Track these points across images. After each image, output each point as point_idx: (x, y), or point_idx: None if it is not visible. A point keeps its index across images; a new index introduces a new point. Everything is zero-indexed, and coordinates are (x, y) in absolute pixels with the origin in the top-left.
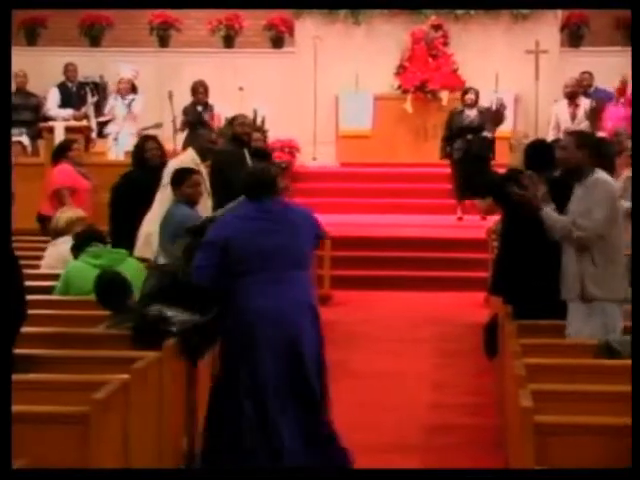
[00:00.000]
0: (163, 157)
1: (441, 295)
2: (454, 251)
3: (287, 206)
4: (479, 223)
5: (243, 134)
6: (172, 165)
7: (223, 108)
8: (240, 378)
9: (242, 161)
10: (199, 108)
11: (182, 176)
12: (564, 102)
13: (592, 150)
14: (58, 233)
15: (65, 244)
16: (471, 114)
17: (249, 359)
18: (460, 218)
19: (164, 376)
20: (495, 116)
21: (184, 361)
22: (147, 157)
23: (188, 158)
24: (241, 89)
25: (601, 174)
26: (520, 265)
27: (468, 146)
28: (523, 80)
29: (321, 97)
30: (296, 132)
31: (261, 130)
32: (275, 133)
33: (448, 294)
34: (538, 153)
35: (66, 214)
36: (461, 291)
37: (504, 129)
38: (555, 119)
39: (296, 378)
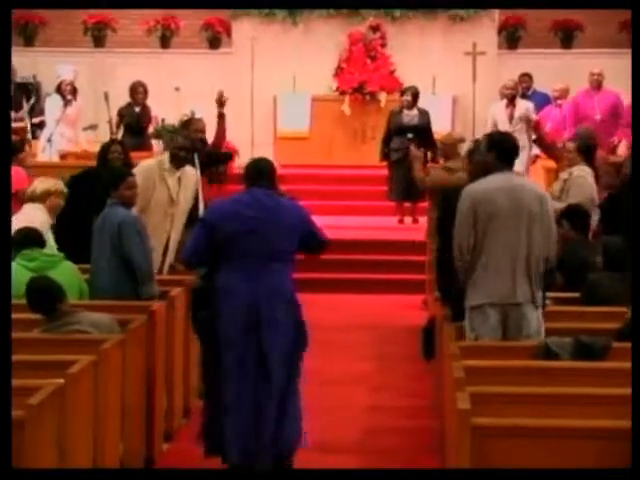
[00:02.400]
0: (126, 161)
1: (379, 298)
2: (392, 253)
3: (279, 200)
4: (419, 225)
5: (197, 140)
6: (138, 169)
7: (159, 109)
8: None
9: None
10: (136, 109)
11: (119, 178)
12: (502, 103)
13: (499, 150)
14: (32, 199)
15: (36, 211)
16: (410, 113)
17: (217, 342)
18: (401, 220)
19: (100, 380)
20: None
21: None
22: (109, 159)
23: (155, 164)
24: (177, 90)
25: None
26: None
27: (407, 146)
28: (461, 81)
29: (259, 98)
30: (233, 133)
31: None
32: (211, 134)
33: (386, 297)
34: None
35: (45, 184)
36: (399, 293)
37: (443, 129)
38: (492, 120)
39: (259, 367)
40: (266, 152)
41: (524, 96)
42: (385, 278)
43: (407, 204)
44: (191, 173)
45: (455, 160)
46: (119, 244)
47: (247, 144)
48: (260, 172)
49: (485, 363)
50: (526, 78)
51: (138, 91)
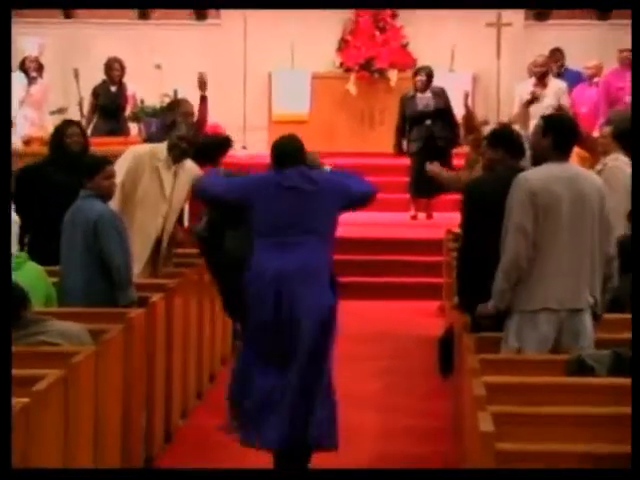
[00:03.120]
0: (85, 146)
1: (388, 304)
2: (403, 253)
3: (312, 175)
4: (435, 222)
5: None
6: (128, 154)
7: (138, 89)
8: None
9: None
10: (112, 89)
11: (97, 166)
12: (530, 82)
13: (557, 135)
14: None
15: None
16: (425, 97)
17: (248, 320)
18: (414, 216)
19: (70, 398)
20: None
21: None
22: (67, 143)
23: (147, 151)
24: (158, 67)
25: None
26: (479, 265)
27: (428, 134)
28: (482, 57)
29: (251, 76)
30: (222, 116)
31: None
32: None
33: (397, 302)
34: (504, 141)
35: None
36: (412, 299)
37: (460, 112)
38: (519, 102)
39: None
40: (259, 137)
41: (558, 75)
42: (395, 281)
43: (423, 199)
44: (191, 169)
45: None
46: (94, 242)
47: (238, 128)
48: (287, 150)
49: (510, 379)
50: (558, 54)
51: (114, 68)
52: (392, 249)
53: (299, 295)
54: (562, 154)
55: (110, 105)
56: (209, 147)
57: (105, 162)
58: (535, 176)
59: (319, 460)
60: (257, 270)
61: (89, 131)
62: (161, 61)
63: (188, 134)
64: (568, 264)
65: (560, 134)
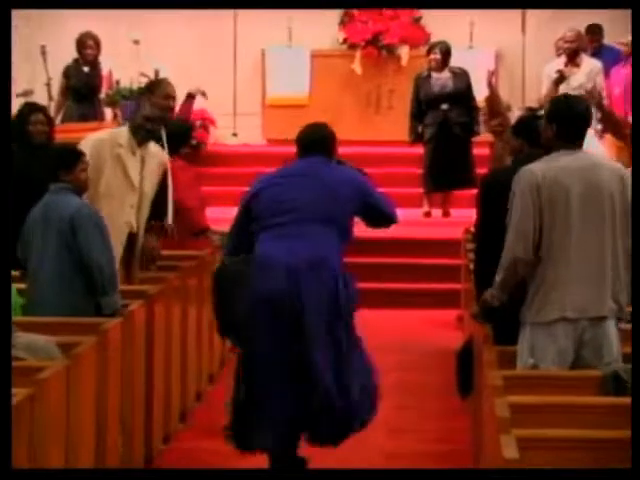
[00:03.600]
0: (50, 135)
1: (401, 313)
2: (418, 256)
3: (337, 169)
4: (452, 219)
5: (167, 109)
6: (86, 143)
7: (114, 68)
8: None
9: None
10: (85, 69)
11: (76, 157)
12: (560, 61)
13: (562, 122)
14: None
15: None
16: (441, 76)
17: (247, 320)
18: (428, 213)
19: (38, 418)
20: None
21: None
22: (30, 132)
23: (106, 137)
24: (136, 43)
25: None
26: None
27: (443, 119)
28: (506, 32)
29: (243, 54)
30: (210, 100)
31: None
32: (181, 101)
33: (410, 311)
34: (525, 129)
35: None
36: (427, 308)
37: (483, 96)
38: (549, 82)
39: (293, 347)
40: (252, 124)
41: (594, 55)
42: (407, 287)
43: (438, 193)
44: (157, 154)
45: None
46: (73, 242)
47: (227, 114)
48: (316, 139)
49: (536, 399)
50: (595, 31)
51: (87, 45)
52: (403, 251)
53: (308, 289)
54: (569, 143)
55: (83, 87)
56: (169, 137)
57: (81, 152)
58: (540, 167)
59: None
60: (263, 262)
61: (59, 117)
62: (139, 36)
63: (153, 113)
64: (585, 266)
65: (564, 121)
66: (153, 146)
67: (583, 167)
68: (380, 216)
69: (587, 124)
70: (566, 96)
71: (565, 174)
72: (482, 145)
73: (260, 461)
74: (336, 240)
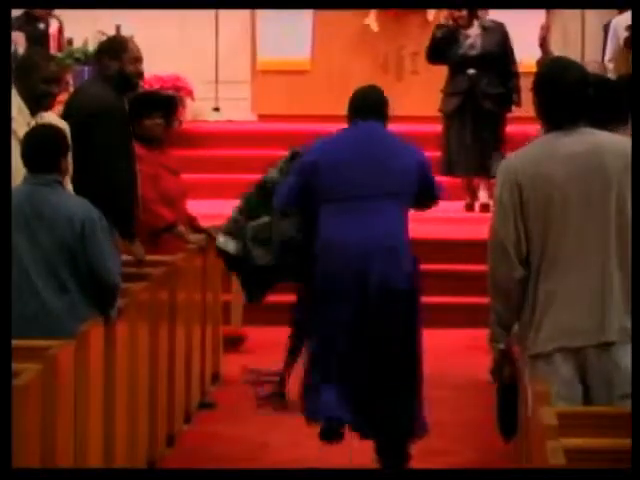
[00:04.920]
0: None
1: (429, 332)
2: (451, 261)
3: (394, 137)
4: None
5: (136, 74)
6: None
7: (68, 24)
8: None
9: (124, 116)
10: (40, 26)
11: (63, 141)
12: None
13: (543, 96)
14: None
15: None
16: (470, 33)
17: (318, 293)
18: (470, 206)
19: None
20: None
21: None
22: None
23: None
24: (103, 34)
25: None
26: None
27: (469, 87)
28: None
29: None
30: (186, 65)
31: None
32: (151, 67)
33: (440, 331)
34: (601, 101)
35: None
36: (461, 327)
37: (532, 58)
38: (616, 40)
39: (359, 320)
40: (239, 94)
41: None
42: (437, 302)
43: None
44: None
45: None
46: (83, 250)
47: (208, 83)
48: (367, 102)
49: (598, 441)
50: None
51: None
52: (435, 255)
53: (383, 275)
54: (555, 121)
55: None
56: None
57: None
58: (520, 159)
59: None
60: (327, 242)
61: None
62: (108, 28)
63: (55, 73)
64: (585, 280)
65: (549, 92)
66: (49, 116)
67: (576, 153)
68: (430, 195)
69: (580, 99)
70: (557, 60)
71: (552, 165)
72: (521, 122)
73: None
74: (403, 216)
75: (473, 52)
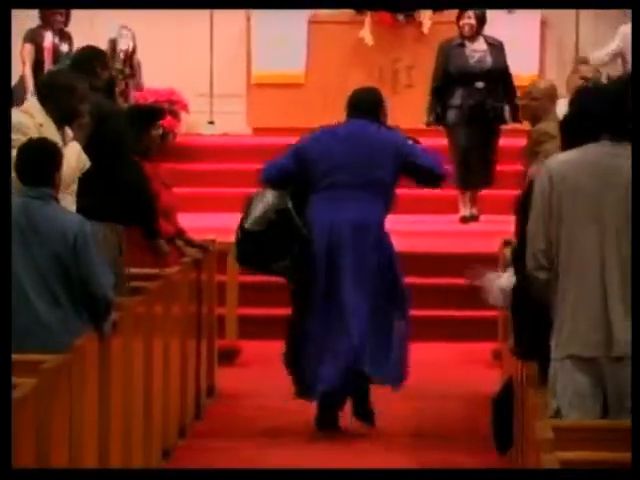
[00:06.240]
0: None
1: (423, 347)
2: (445, 275)
3: (377, 130)
4: (486, 226)
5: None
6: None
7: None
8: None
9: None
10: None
11: (56, 154)
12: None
13: (585, 105)
14: None
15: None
16: (478, 48)
17: (308, 273)
18: (464, 219)
19: None
20: None
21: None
22: None
23: (26, 118)
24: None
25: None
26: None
27: (480, 101)
28: None
29: (223, 19)
30: (181, 78)
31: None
32: (146, 80)
33: (435, 345)
34: (602, 104)
35: None
36: (456, 340)
37: (527, 73)
38: (619, 47)
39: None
40: (234, 108)
41: None
42: (432, 315)
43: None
44: (70, 145)
45: (549, 121)
46: (76, 264)
47: (203, 95)
48: (360, 102)
49: (593, 455)
50: None
51: (55, 10)
52: (429, 269)
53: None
54: (596, 131)
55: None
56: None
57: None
58: (555, 161)
59: None
60: (311, 222)
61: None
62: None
63: (84, 94)
64: (599, 290)
65: (591, 103)
66: (74, 145)
67: (597, 159)
68: (427, 175)
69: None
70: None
71: (576, 170)
72: (517, 135)
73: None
74: (380, 204)
75: (485, 66)
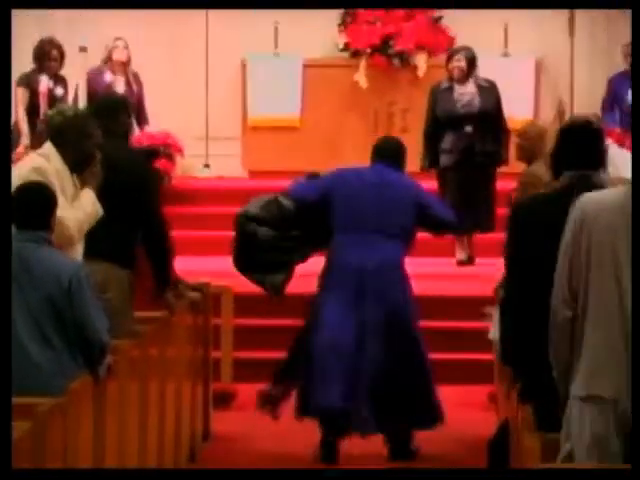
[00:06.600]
0: None
1: None
2: (441, 319)
3: (399, 176)
4: (481, 269)
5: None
6: (28, 173)
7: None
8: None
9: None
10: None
11: (51, 198)
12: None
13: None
14: None
15: None
16: (466, 91)
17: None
18: (462, 262)
19: None
20: None
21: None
22: None
23: (44, 164)
24: (83, 50)
25: None
26: (531, 321)
27: (468, 145)
28: (549, 36)
29: (218, 63)
30: (177, 121)
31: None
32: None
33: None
34: (579, 142)
35: None
36: (451, 383)
37: (521, 115)
38: (612, 94)
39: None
40: (229, 151)
41: None
42: (432, 358)
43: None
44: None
45: (540, 164)
46: (70, 307)
47: (198, 139)
48: (386, 149)
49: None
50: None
51: (50, 56)
52: (425, 311)
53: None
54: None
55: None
56: None
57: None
58: (593, 195)
59: None
60: (338, 263)
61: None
62: (86, 42)
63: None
64: (618, 329)
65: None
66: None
67: (618, 199)
68: (441, 225)
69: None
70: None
71: (616, 208)
72: (508, 177)
73: None
74: (400, 249)
75: (472, 110)
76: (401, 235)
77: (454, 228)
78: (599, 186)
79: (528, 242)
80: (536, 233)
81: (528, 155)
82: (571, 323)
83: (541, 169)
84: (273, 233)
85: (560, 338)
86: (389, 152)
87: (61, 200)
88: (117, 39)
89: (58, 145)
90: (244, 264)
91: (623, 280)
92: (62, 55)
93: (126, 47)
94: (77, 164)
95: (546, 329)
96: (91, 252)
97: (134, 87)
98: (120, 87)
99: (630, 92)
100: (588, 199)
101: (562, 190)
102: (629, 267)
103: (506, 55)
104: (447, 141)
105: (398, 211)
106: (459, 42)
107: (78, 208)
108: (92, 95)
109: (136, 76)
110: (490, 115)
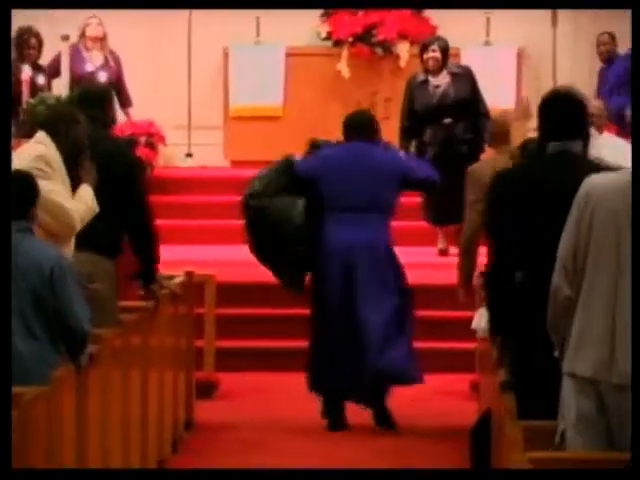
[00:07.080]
0: None
1: None
2: (425, 307)
3: (378, 151)
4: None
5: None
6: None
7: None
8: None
9: None
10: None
11: (32, 188)
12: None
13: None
14: None
15: None
16: (441, 82)
17: (319, 290)
18: (443, 251)
19: None
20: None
21: None
22: None
23: (36, 159)
24: (66, 39)
25: None
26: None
27: (446, 136)
28: (531, 25)
29: (201, 53)
30: (158, 111)
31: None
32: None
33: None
34: (560, 114)
35: None
36: (434, 371)
37: (502, 104)
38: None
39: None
40: (211, 140)
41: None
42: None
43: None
44: (84, 186)
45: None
46: (52, 296)
47: (180, 128)
48: (358, 124)
49: (563, 454)
50: (607, 38)
51: (29, 44)
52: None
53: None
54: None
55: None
56: None
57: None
58: (601, 175)
59: None
60: (326, 242)
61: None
62: (68, 31)
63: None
64: (605, 308)
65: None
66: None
67: (623, 183)
68: (426, 185)
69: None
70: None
71: (613, 191)
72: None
73: None
74: (387, 223)
75: (447, 101)
76: (386, 210)
77: (438, 182)
78: (578, 157)
79: (507, 212)
80: (514, 203)
81: (496, 142)
82: (570, 301)
83: (499, 162)
84: (284, 200)
85: (559, 315)
86: (362, 126)
87: (63, 191)
88: (91, 17)
89: (52, 134)
90: (263, 253)
91: (621, 263)
92: (40, 43)
93: (100, 24)
94: (71, 151)
95: (533, 296)
96: (78, 243)
97: (111, 64)
98: (98, 62)
99: (610, 75)
100: (594, 180)
101: (543, 159)
102: (629, 252)
103: (488, 44)
104: (427, 135)
105: (383, 187)
106: (441, 31)
107: (79, 201)
108: (72, 74)
109: (113, 53)
110: (466, 102)
